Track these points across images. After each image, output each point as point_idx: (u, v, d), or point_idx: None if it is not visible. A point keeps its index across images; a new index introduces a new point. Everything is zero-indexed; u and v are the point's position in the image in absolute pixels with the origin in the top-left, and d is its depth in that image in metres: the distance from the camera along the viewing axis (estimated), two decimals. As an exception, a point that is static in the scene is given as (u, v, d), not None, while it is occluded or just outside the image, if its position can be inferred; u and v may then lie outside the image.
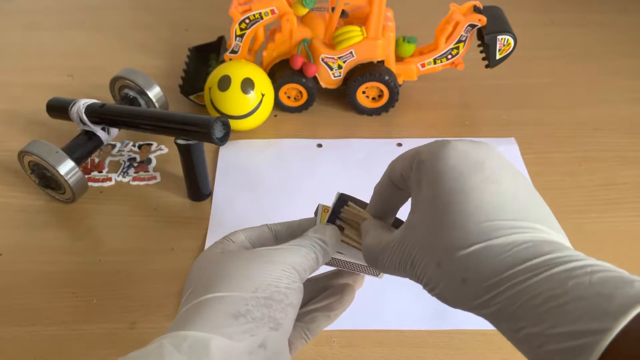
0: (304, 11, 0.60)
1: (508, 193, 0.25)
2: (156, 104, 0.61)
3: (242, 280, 0.28)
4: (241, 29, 0.62)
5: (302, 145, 0.61)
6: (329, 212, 0.35)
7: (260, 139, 0.62)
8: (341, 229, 0.34)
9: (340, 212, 0.35)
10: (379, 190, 0.32)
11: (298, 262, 0.30)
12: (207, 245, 0.50)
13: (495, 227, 0.23)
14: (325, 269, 0.35)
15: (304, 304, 0.33)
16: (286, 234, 0.35)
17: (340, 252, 0.34)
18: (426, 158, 0.27)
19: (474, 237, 0.23)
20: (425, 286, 0.26)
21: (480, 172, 0.25)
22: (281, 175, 0.58)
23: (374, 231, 0.31)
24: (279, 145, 0.62)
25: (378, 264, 0.29)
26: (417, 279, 0.26)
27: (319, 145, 0.61)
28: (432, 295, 0.26)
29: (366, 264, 0.33)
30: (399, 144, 0.62)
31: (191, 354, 0.25)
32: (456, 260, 0.24)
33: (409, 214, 0.28)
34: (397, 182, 0.30)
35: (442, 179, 0.25)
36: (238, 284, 0.28)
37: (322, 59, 0.62)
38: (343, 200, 0.36)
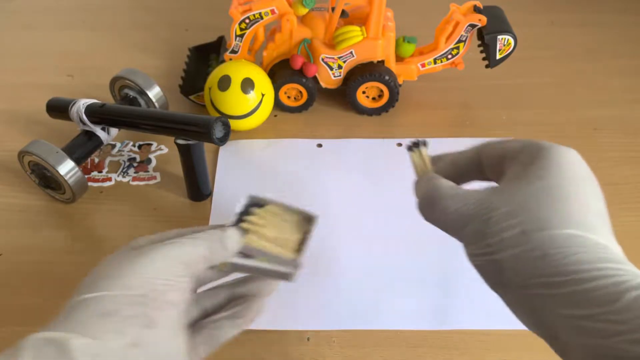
0: (304, 11, 0.60)
1: (604, 212, 0.27)
2: (156, 104, 0.61)
3: (115, 279, 0.28)
4: (241, 29, 0.62)
5: (302, 145, 0.61)
6: (236, 214, 0.34)
7: (260, 139, 0.62)
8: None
9: (251, 213, 0.34)
10: (456, 160, 0.32)
11: (184, 254, 0.30)
12: None
13: (597, 226, 0.25)
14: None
15: (212, 312, 0.33)
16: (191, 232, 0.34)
17: (246, 257, 0.33)
18: (550, 147, 0.28)
19: (575, 224, 0.24)
20: (486, 247, 0.26)
21: (593, 181, 0.28)
22: (281, 175, 0.58)
23: (446, 179, 0.31)
24: (279, 145, 0.62)
25: (439, 207, 0.29)
26: (478, 238, 0.27)
27: (319, 145, 0.61)
28: (484, 259, 0.26)
29: (274, 269, 0.32)
30: (399, 144, 0.62)
31: (48, 355, 0.25)
32: (548, 236, 0.24)
33: (501, 184, 0.28)
34: (488, 163, 0.30)
35: (565, 168, 0.27)
36: (111, 282, 0.28)
37: (322, 59, 0.62)
38: (254, 202, 0.35)
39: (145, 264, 0.29)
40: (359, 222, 0.52)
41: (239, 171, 0.58)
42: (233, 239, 0.32)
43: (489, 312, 0.45)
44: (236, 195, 0.55)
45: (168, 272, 0.29)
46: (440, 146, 0.60)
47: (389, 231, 0.51)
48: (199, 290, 0.34)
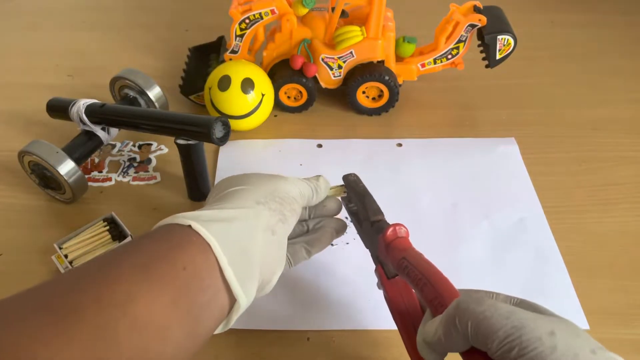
0: (304, 11, 0.60)
1: None
2: (156, 104, 0.61)
3: (264, 182, 0.38)
4: (241, 29, 0.62)
5: (303, 146, 0.61)
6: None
7: (260, 139, 0.62)
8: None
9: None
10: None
11: (302, 186, 0.40)
12: None
13: None
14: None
15: (293, 236, 0.42)
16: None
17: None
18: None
19: None
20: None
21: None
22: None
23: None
24: (279, 146, 0.62)
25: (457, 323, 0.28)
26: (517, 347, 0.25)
27: (319, 146, 0.61)
28: None
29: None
30: (399, 144, 0.62)
31: (227, 218, 0.34)
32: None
33: None
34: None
35: None
36: (261, 183, 0.38)
37: (322, 59, 0.62)
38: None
39: (284, 181, 0.39)
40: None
41: (240, 171, 0.58)
42: (324, 187, 0.42)
43: None
44: None
45: (296, 191, 0.39)
46: (440, 147, 0.61)
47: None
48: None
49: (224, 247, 0.32)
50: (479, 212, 0.54)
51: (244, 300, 0.33)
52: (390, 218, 0.53)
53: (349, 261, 0.49)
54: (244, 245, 0.33)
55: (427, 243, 0.49)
